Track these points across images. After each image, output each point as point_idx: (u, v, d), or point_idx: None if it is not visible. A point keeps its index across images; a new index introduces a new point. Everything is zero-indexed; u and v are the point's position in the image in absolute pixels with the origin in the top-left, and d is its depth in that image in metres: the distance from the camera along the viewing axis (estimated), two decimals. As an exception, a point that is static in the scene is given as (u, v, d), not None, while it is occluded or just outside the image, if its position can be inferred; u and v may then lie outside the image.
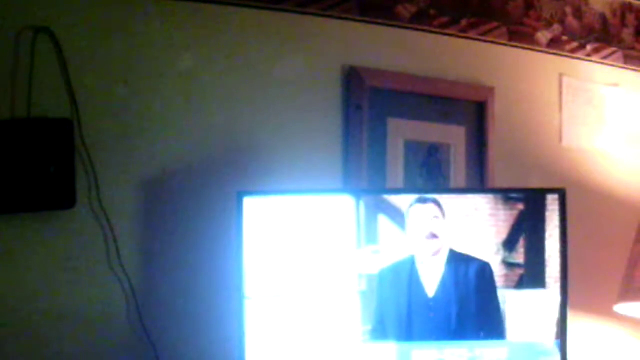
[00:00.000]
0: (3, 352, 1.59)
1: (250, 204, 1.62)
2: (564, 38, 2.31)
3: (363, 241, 1.62)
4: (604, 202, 2.33)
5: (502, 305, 1.63)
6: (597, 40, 2.37)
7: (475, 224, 1.64)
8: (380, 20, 2.01)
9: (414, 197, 1.64)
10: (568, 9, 2.32)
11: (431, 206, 1.63)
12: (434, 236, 1.63)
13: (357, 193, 1.65)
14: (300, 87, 1.91)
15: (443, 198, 1.64)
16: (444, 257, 1.63)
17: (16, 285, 1.61)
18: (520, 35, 2.23)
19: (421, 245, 1.63)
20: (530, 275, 1.64)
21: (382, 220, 1.63)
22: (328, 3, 1.94)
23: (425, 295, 1.63)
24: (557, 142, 2.28)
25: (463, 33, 2.13)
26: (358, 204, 1.63)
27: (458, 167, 2.09)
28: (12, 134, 1.59)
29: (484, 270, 1.63)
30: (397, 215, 1.63)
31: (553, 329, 1.64)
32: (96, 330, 1.67)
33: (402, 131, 2.01)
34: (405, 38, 2.05)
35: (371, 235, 1.63)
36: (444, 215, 1.63)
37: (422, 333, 1.62)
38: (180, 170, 1.77)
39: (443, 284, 1.63)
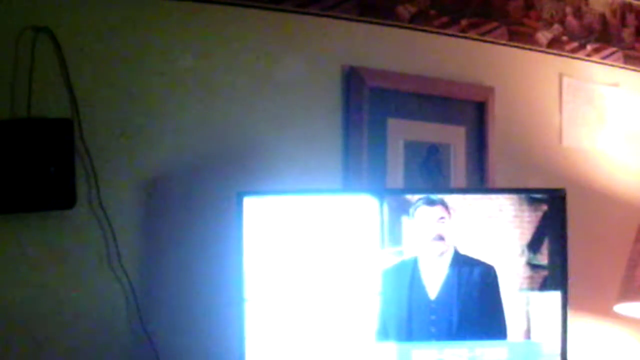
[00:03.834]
0: (3, 352, 1.59)
1: (250, 204, 1.62)
2: (564, 38, 2.31)
3: (365, 242, 1.62)
4: (604, 202, 2.33)
5: (525, 307, 1.62)
6: (597, 40, 2.37)
7: (497, 226, 1.63)
8: (380, 20, 2.01)
9: (419, 198, 1.63)
10: (568, 9, 2.32)
11: (438, 208, 1.63)
12: (441, 238, 1.62)
13: (379, 193, 1.64)
14: (300, 87, 1.91)
15: (453, 198, 1.63)
16: (448, 258, 1.63)
17: (16, 285, 1.61)
18: (520, 35, 2.23)
19: (426, 247, 1.62)
20: (553, 277, 1.63)
21: (383, 220, 1.63)
22: (328, 3, 1.94)
23: (427, 297, 1.62)
24: (557, 142, 2.28)
25: (463, 33, 2.13)
26: (382, 204, 1.62)
27: (458, 167, 2.08)
28: (12, 134, 1.59)
29: (488, 273, 1.62)
30: (404, 215, 1.63)
31: (555, 328, 1.64)
32: (96, 331, 1.67)
33: (402, 131, 2.01)
34: (405, 38, 2.05)
35: (370, 235, 1.62)
36: (450, 216, 1.63)
37: (422, 334, 1.62)
38: (180, 170, 1.77)
39: (446, 286, 1.62)
